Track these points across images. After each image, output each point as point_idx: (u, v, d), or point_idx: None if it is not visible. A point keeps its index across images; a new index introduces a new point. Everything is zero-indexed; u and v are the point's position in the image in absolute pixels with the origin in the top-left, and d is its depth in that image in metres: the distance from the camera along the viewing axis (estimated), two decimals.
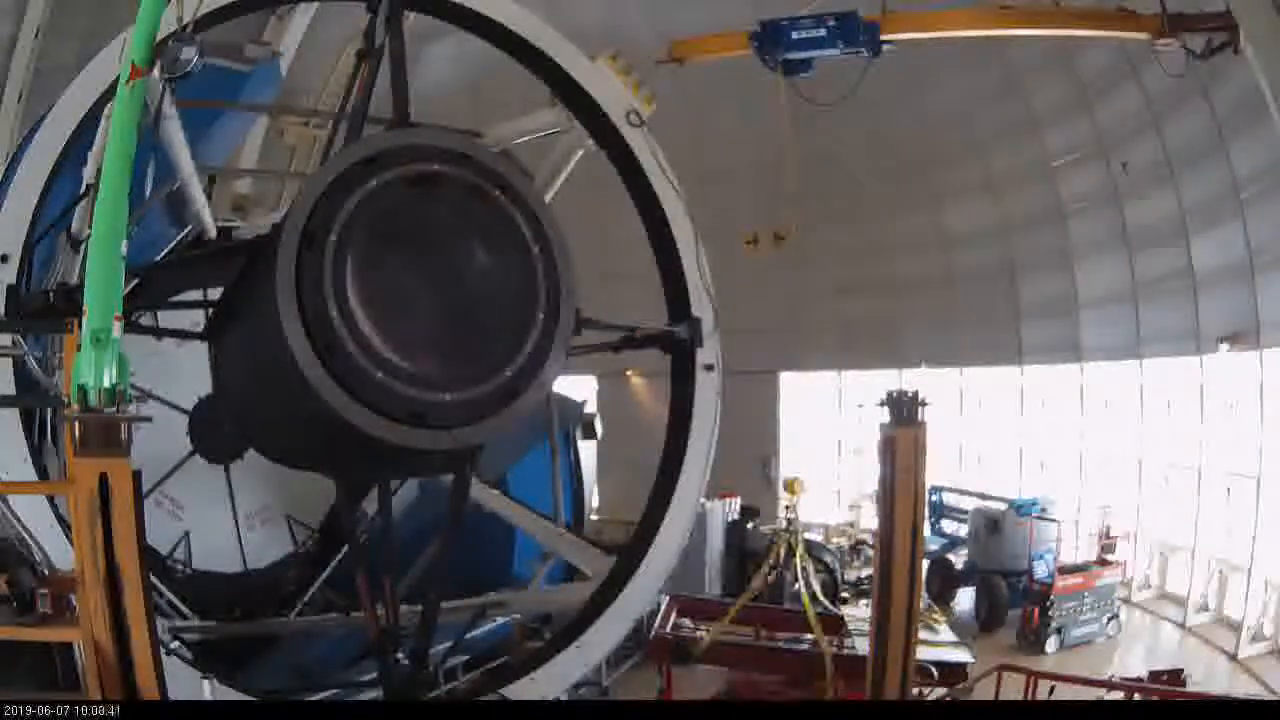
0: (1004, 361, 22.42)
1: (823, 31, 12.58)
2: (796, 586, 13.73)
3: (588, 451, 14.97)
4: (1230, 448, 16.85)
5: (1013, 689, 10.53)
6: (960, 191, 22.16)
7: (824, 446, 25.97)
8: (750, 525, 20.13)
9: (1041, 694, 10.36)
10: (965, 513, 20.67)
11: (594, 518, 20.69)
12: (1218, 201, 16.14)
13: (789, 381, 26.62)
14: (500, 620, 10.87)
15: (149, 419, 4.93)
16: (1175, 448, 18.44)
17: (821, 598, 11.85)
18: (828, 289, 23.93)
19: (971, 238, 22.35)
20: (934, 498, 21.24)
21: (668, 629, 11.96)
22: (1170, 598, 18.32)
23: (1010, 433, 23.02)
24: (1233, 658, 14.64)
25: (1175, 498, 18.42)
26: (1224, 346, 16.19)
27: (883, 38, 12.57)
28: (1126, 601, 18.34)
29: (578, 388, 24.64)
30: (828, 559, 19.05)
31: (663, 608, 12.33)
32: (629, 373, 22.48)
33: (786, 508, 13.58)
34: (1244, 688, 13.54)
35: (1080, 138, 19.24)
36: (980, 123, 20.98)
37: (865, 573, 19.02)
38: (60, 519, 6.05)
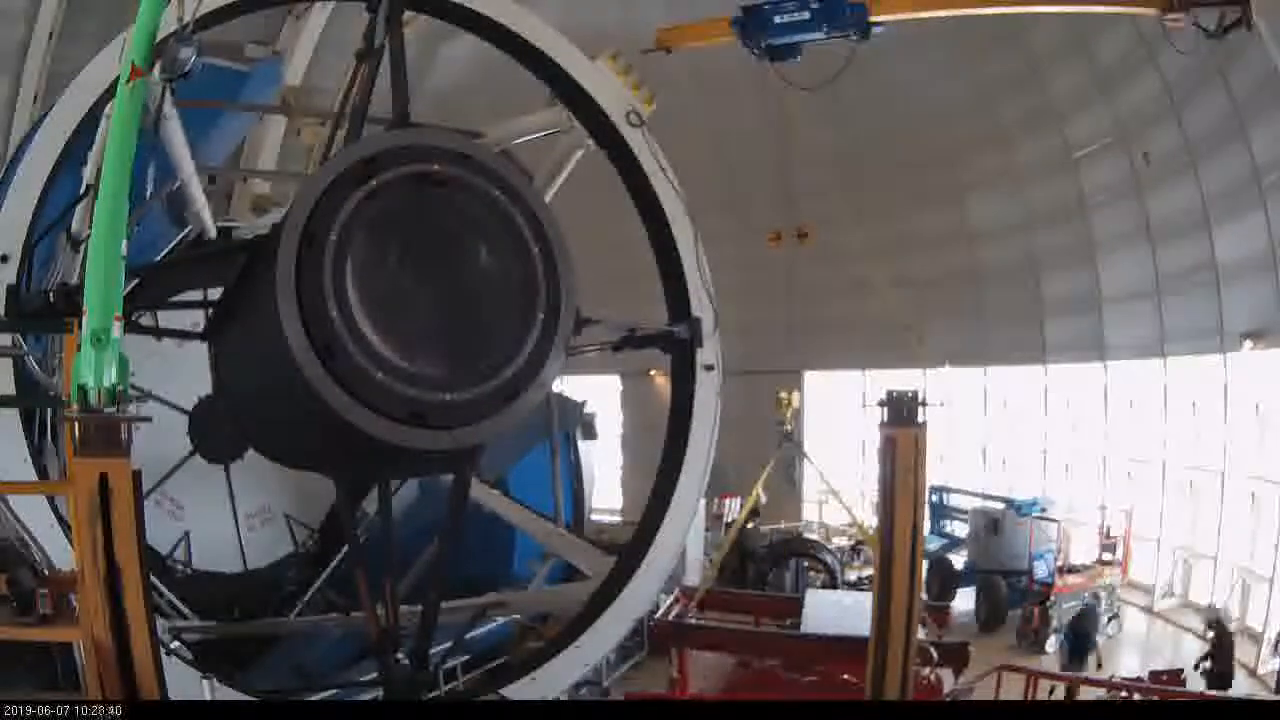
0: (1028, 360, 22.16)
1: (806, 14, 12.02)
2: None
3: (588, 452, 15.01)
4: (1255, 451, 16.53)
5: (1013, 689, 10.52)
6: (982, 185, 21.94)
7: (850, 447, 25.60)
8: (750, 525, 20.11)
9: (1041, 694, 10.35)
10: (966, 513, 20.65)
11: (618, 519, 20.75)
12: (1239, 190, 15.83)
13: (813, 381, 26.35)
14: (500, 620, 10.87)
15: (149, 419, 4.92)
16: (1199, 450, 18.07)
17: None
18: (851, 286, 23.66)
19: (995, 232, 22.09)
20: (934, 498, 21.18)
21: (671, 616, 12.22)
22: (1194, 607, 17.90)
23: (1034, 434, 22.69)
24: (1252, 673, 14.41)
25: (1199, 503, 18.10)
26: (1248, 344, 15.96)
27: (871, 19, 12.00)
28: (1149, 611, 18.10)
29: (603, 387, 24.77)
30: (827, 559, 19.06)
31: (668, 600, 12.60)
32: (652, 372, 22.41)
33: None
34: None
35: (1101, 127, 18.96)
36: (1002, 113, 20.81)
37: (866, 573, 19.01)
38: (60, 519, 6.05)
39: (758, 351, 22.22)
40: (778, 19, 12.12)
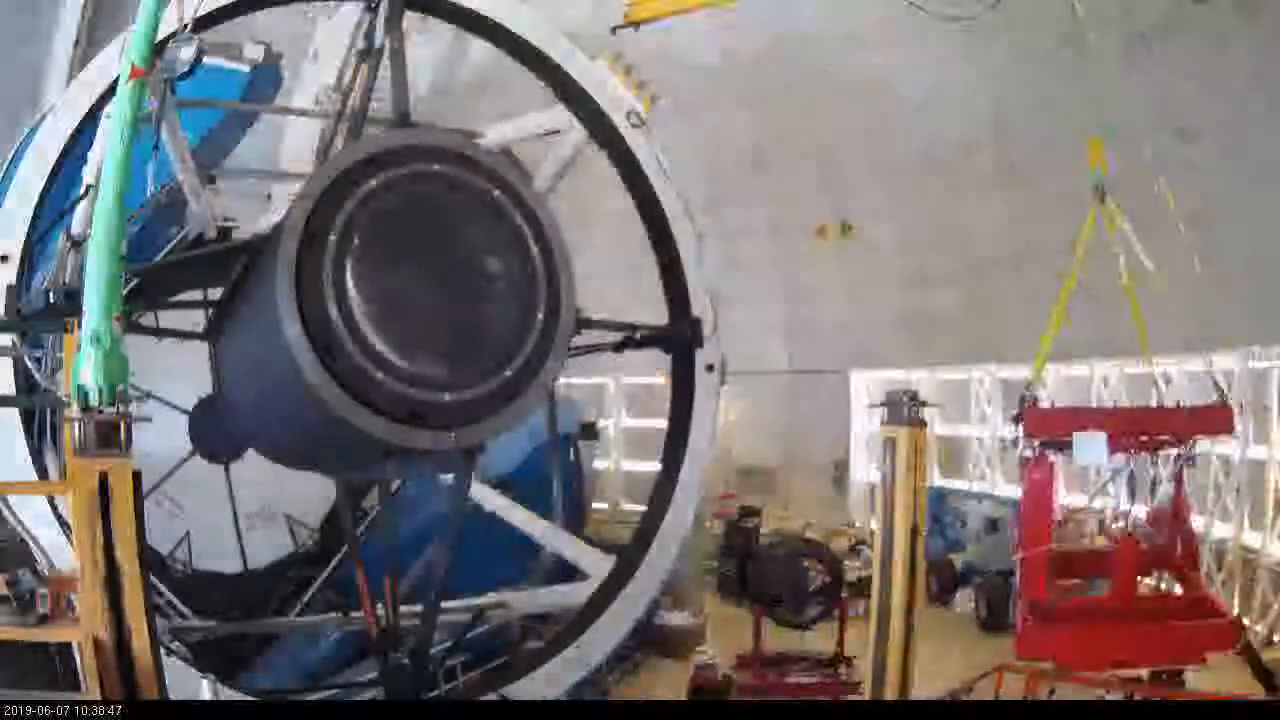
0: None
1: None
2: None
3: (588, 452, 15.01)
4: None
5: (1013, 689, 10.52)
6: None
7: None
8: (750, 526, 20.09)
9: (1041, 694, 10.35)
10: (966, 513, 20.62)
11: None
12: None
13: (860, 381, 25.66)
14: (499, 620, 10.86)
15: (149, 419, 4.92)
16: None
17: None
18: (900, 282, 22.21)
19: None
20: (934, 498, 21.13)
21: None
22: None
23: None
24: None
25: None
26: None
27: None
28: None
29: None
30: (828, 559, 18.99)
31: None
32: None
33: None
34: None
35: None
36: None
37: (865, 573, 18.95)
38: (60, 519, 6.05)
39: (811, 351, 21.89)
40: None
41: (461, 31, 8.46)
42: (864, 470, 24.55)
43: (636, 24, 12.99)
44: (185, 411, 10.42)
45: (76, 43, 16.30)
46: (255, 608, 10.54)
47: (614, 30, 12.35)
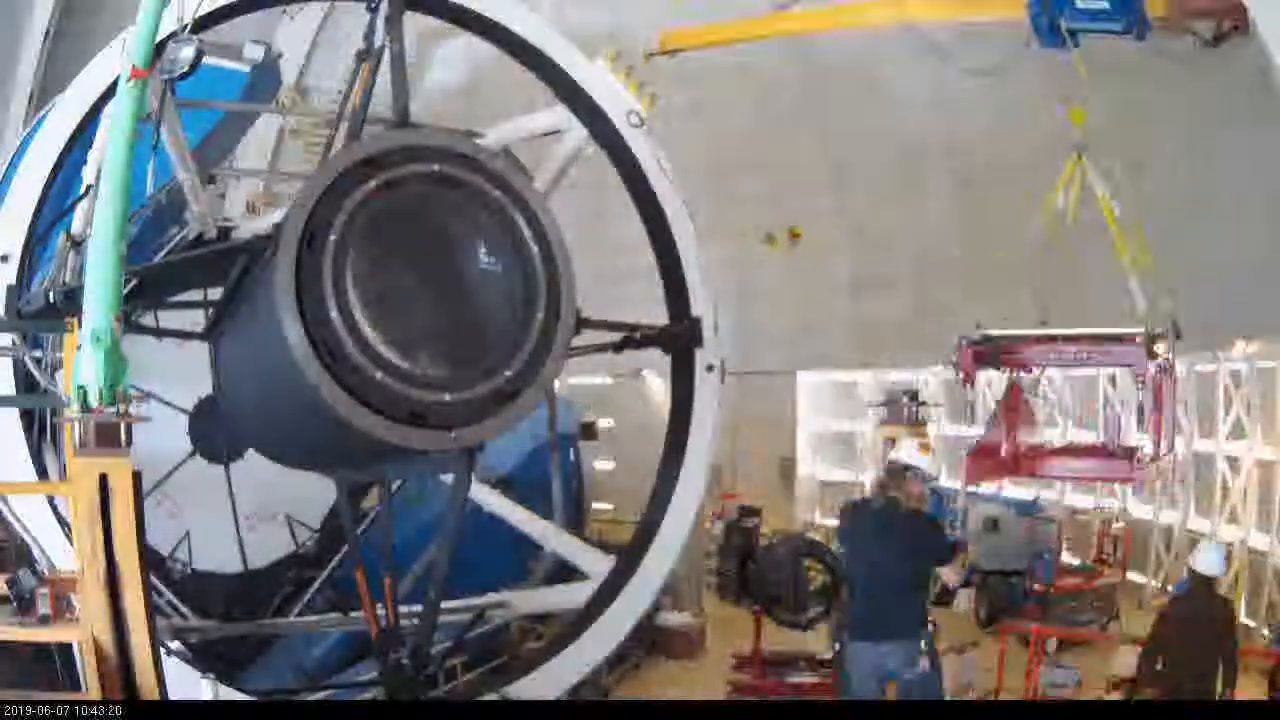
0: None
1: (1105, 4, 11.44)
2: None
3: (587, 452, 14.99)
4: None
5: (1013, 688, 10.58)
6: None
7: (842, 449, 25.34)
8: (751, 526, 20.07)
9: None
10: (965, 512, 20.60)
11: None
12: None
13: (807, 382, 25.36)
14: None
15: (149, 419, 4.92)
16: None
17: None
18: (844, 285, 22.84)
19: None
20: (933, 498, 21.13)
21: None
22: None
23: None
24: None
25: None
26: (1240, 343, 15.85)
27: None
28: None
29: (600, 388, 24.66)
30: (828, 559, 19.01)
31: None
32: (644, 372, 22.28)
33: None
34: None
35: None
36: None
37: None
38: (60, 519, 6.05)
39: (757, 353, 22.08)
40: (1080, 3, 11.59)
41: None
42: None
43: (670, 53, 13.37)
44: (185, 411, 10.45)
45: (46, 35, 16.33)
46: (255, 607, 10.54)
47: (648, 58, 12.51)
